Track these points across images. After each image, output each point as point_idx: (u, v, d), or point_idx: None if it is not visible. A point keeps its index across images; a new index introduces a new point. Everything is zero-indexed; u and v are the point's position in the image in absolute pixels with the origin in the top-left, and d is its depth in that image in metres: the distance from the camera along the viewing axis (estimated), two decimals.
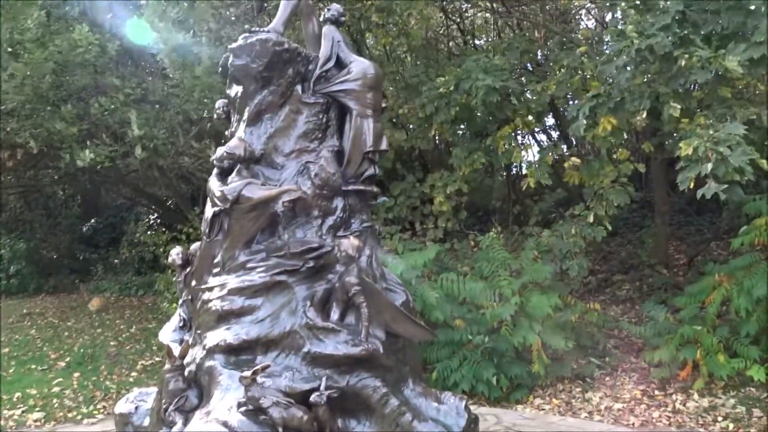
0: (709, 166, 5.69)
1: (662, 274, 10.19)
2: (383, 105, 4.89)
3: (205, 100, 8.37)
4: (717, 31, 6.55)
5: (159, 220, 16.04)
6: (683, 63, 6.15)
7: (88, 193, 18.25)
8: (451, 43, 14.33)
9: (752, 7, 6.23)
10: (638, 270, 10.69)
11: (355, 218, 4.54)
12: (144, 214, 16.99)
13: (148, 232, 14.07)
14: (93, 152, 7.96)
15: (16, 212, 17.15)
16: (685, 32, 6.49)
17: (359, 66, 4.54)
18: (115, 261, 16.33)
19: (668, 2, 6.54)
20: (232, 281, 4.20)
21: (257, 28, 4.52)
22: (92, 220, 18.48)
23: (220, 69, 4.95)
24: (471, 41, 13.93)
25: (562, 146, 11.82)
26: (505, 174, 12.56)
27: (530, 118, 9.43)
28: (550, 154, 9.37)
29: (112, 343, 10.65)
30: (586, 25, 13.43)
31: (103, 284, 15.13)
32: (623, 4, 7.59)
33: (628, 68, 6.76)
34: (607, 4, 9.74)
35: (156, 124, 8.62)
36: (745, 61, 5.93)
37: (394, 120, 11.10)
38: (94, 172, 11.66)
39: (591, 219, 8.20)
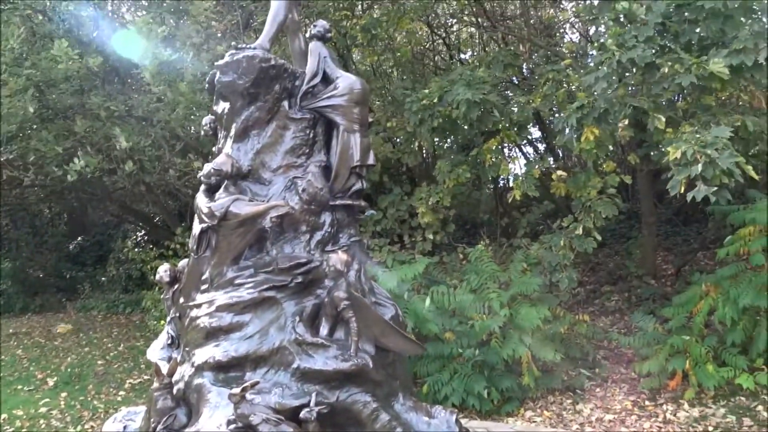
0: (699, 167, 5.75)
1: (650, 285, 10.25)
2: (370, 119, 4.91)
3: (192, 117, 8.37)
4: (696, 41, 6.67)
5: (146, 237, 15.93)
6: (666, 70, 6.26)
7: (75, 210, 18.10)
8: (437, 58, 14.45)
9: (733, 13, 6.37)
10: (626, 281, 10.75)
11: (343, 233, 4.54)
12: (131, 231, 16.86)
13: (136, 249, 13.96)
14: (85, 161, 7.90)
15: (1, 231, 16.96)
16: (666, 42, 6.62)
17: (346, 81, 4.57)
18: (102, 279, 16.17)
19: (648, 15, 6.66)
20: (221, 298, 4.19)
21: (243, 45, 4.55)
22: (79, 238, 18.32)
23: (207, 85, 4.97)
24: (457, 55, 14.05)
25: (549, 159, 11.91)
26: (492, 187, 12.62)
27: (514, 130, 9.49)
28: (537, 167, 9.45)
29: (99, 362, 10.53)
30: (571, 38, 13.60)
31: (90, 302, 14.96)
32: (604, 18, 7.72)
33: (612, 79, 6.85)
34: (589, 18, 9.91)
35: (141, 139, 8.59)
36: (727, 67, 6.04)
37: (381, 134, 11.15)
38: (80, 190, 11.60)
39: (580, 231, 8.24)
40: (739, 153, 6.22)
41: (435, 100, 8.93)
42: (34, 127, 8.17)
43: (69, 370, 10.11)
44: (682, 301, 7.64)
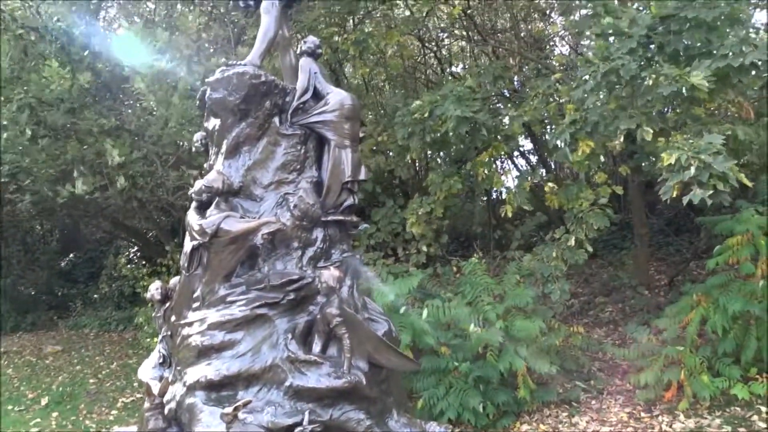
0: (692, 170, 5.79)
1: (644, 296, 10.26)
2: (362, 133, 4.91)
3: (184, 131, 8.35)
4: (681, 51, 6.74)
5: (139, 254, 15.85)
6: (650, 82, 6.32)
7: (67, 227, 18.01)
8: (428, 71, 14.53)
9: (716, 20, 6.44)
10: (620, 292, 10.76)
11: (335, 248, 4.53)
12: (124, 247, 16.78)
13: (128, 266, 13.88)
14: (80, 182, 7.88)
15: None
16: (650, 54, 6.69)
17: (336, 97, 4.58)
18: (95, 296, 16.06)
19: (632, 28, 6.73)
20: (212, 315, 4.16)
21: (234, 62, 4.56)
22: (71, 255, 18.21)
23: (198, 102, 4.96)
24: (448, 68, 14.13)
25: (541, 171, 11.96)
26: (485, 199, 12.65)
27: (504, 144, 9.53)
28: (529, 179, 9.47)
29: (91, 381, 10.42)
30: (561, 51, 13.70)
31: (83, 320, 14.85)
32: (589, 32, 7.80)
33: (601, 94, 6.90)
34: (577, 31, 10.00)
35: (133, 153, 8.57)
36: (712, 77, 6.09)
37: (374, 148, 11.17)
38: (72, 207, 11.54)
39: (572, 242, 8.26)
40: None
41: (426, 115, 8.96)
42: (26, 142, 8.14)
43: (61, 389, 10.01)
44: (674, 311, 7.64)
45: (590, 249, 8.36)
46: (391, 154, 11.63)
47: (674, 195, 6.07)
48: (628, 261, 11.25)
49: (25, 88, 7.92)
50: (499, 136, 9.47)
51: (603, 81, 6.57)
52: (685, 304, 7.52)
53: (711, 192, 5.77)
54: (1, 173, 8.50)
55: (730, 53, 6.05)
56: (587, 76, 6.67)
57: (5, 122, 7.67)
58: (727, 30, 6.53)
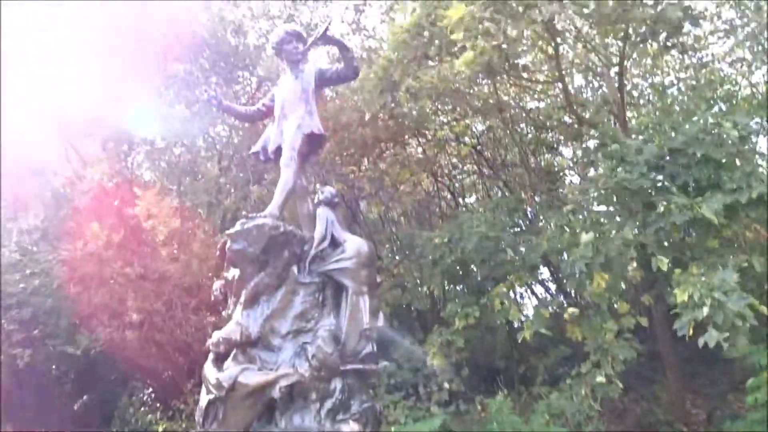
0: (705, 309, 5.66)
1: None
2: (378, 280, 4.95)
3: (205, 277, 8.48)
4: (692, 182, 6.88)
5: (153, 395, 15.45)
6: (662, 209, 6.39)
7: (82, 368, 17.75)
8: (442, 203, 14.85)
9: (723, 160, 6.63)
10: (656, 428, 10.14)
11: (354, 399, 4.39)
12: (138, 389, 16.40)
13: (142, 409, 13.49)
14: (87, 339, 7.94)
15: (5, 392, 16.53)
16: (662, 180, 6.84)
17: (353, 244, 4.67)
18: None
19: (639, 156, 6.94)
20: None
21: (254, 214, 4.71)
22: (84, 397, 17.79)
23: (218, 252, 5.07)
24: (462, 201, 14.44)
25: (560, 298, 11.78)
26: (507, 330, 12.38)
27: (525, 273, 9.50)
28: (548, 307, 9.31)
29: None
30: (571, 181, 14.02)
31: None
32: (597, 158, 8.06)
33: (617, 218, 6.96)
34: (585, 161, 10.32)
35: (154, 302, 8.67)
36: (722, 210, 6.15)
37: (391, 279, 11.17)
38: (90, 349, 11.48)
39: (602, 378, 7.94)
40: (752, 292, 6.16)
41: (446, 240, 9.08)
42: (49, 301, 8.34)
43: None
44: None
45: (620, 384, 8.01)
46: (407, 285, 11.61)
47: (690, 333, 5.91)
48: (662, 393, 10.71)
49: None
50: (518, 264, 9.46)
51: (613, 195, 6.66)
52: None
53: (727, 335, 5.60)
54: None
55: (738, 187, 6.15)
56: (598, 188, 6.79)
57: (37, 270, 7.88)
58: (735, 162, 6.70)
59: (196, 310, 9.62)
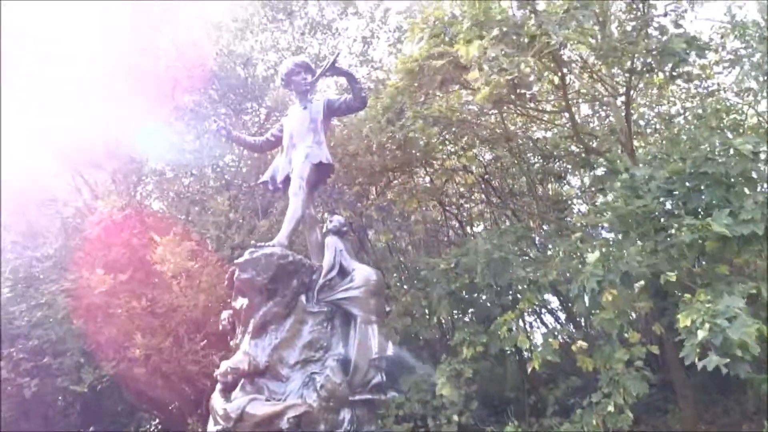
0: (700, 333, 5.63)
1: None
2: (387, 309, 4.94)
3: (214, 310, 8.47)
4: (702, 207, 6.88)
5: (160, 426, 15.32)
6: (673, 231, 6.39)
7: (89, 400, 17.64)
8: (450, 232, 14.83)
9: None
10: None
11: (363, 430, 4.34)
12: (145, 420, 16.27)
13: None
14: (91, 375, 7.94)
15: (8, 424, 16.41)
16: (671, 205, 6.85)
17: (362, 273, 4.67)
18: None
19: (650, 184, 6.95)
20: None
21: (262, 243, 4.72)
22: (90, 428, 17.64)
23: (226, 282, 5.07)
24: (470, 230, 14.43)
25: (570, 327, 11.66)
26: (517, 360, 12.24)
27: (536, 295, 9.43)
28: (557, 336, 9.21)
29: None
30: (579, 209, 13.99)
31: None
32: (606, 186, 8.07)
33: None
34: (594, 189, 10.32)
35: (161, 339, 8.67)
36: (738, 237, 6.15)
37: (401, 308, 11.11)
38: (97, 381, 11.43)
39: (612, 408, 7.82)
40: (760, 318, 6.11)
41: (452, 265, 9.05)
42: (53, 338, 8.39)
43: None
44: None
45: (630, 415, 7.88)
46: (415, 314, 11.54)
47: (696, 360, 5.87)
48: (675, 423, 10.50)
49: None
50: (526, 287, 9.41)
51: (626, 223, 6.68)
52: None
53: (727, 361, 5.56)
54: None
55: (752, 218, 6.15)
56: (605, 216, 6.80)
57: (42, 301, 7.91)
58: (745, 189, 6.71)
59: (204, 344, 9.58)
